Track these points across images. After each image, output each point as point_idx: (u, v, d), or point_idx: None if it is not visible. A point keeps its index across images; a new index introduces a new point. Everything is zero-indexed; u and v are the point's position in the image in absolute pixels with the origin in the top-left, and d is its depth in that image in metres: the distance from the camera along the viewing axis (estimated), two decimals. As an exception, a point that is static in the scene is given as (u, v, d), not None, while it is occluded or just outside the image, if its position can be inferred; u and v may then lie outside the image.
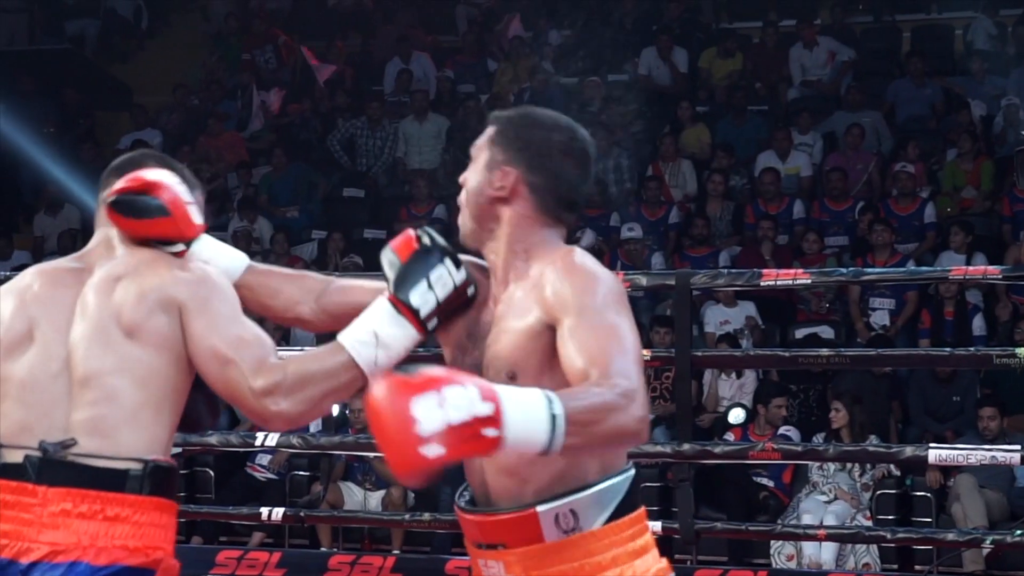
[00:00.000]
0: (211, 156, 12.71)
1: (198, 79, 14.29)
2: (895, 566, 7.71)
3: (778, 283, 6.09)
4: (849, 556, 7.79)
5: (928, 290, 9.48)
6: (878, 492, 8.04)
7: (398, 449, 2.14)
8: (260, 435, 7.02)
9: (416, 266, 2.56)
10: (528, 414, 2.22)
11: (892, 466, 8.09)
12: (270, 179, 12.30)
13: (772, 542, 7.94)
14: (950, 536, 6.54)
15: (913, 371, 8.90)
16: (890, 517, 7.90)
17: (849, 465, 8.07)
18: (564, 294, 2.49)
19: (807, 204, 10.79)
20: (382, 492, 8.66)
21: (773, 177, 10.80)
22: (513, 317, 2.59)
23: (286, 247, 10.93)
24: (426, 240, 2.60)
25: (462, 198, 2.73)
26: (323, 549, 8.28)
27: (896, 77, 12.23)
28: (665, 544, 8.14)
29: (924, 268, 8.68)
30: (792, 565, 7.79)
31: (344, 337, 2.56)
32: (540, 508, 2.56)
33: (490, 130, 2.70)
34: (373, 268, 9.36)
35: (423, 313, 2.54)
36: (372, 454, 8.17)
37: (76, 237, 11.80)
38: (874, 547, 7.76)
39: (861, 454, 6.71)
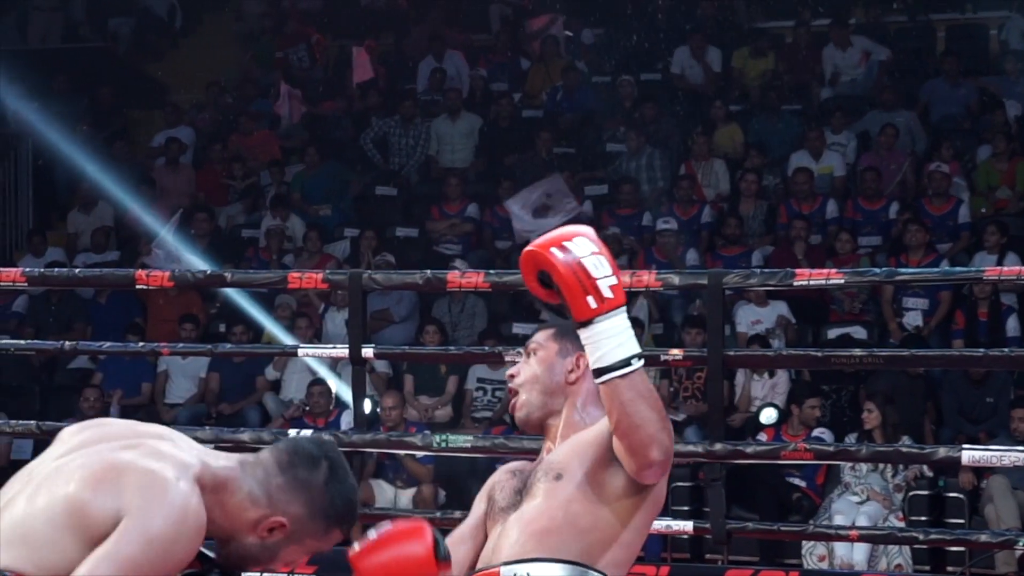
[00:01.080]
0: (244, 154, 12.75)
1: (231, 77, 14.34)
2: (927, 567, 7.67)
3: (811, 283, 6.06)
4: (881, 557, 7.75)
5: (962, 291, 9.43)
6: (910, 493, 8.01)
7: (547, 238, 2.65)
8: (292, 432, 7.04)
9: None
10: (624, 333, 2.66)
11: (925, 467, 8.05)
12: (303, 177, 12.32)
13: (804, 542, 7.92)
14: (983, 537, 6.50)
15: (947, 372, 8.86)
16: (923, 518, 7.85)
17: (882, 466, 8.04)
18: None
19: (840, 204, 10.74)
20: (413, 490, 8.67)
21: (806, 177, 10.76)
22: (570, 442, 3.00)
23: (319, 245, 10.96)
24: None
25: (526, 383, 3.11)
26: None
27: (930, 77, 12.17)
28: (696, 544, 8.16)
29: (958, 268, 8.64)
30: (824, 566, 7.76)
31: None
32: (503, 569, 2.85)
33: (549, 330, 3.15)
34: (405, 265, 9.35)
35: None
36: (403, 452, 8.18)
37: (109, 234, 11.87)
38: (906, 548, 7.73)
39: (894, 455, 6.67)
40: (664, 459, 2.71)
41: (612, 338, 2.65)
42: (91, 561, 2.34)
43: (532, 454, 8.07)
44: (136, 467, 2.41)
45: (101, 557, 2.34)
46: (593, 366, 2.68)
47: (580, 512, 2.87)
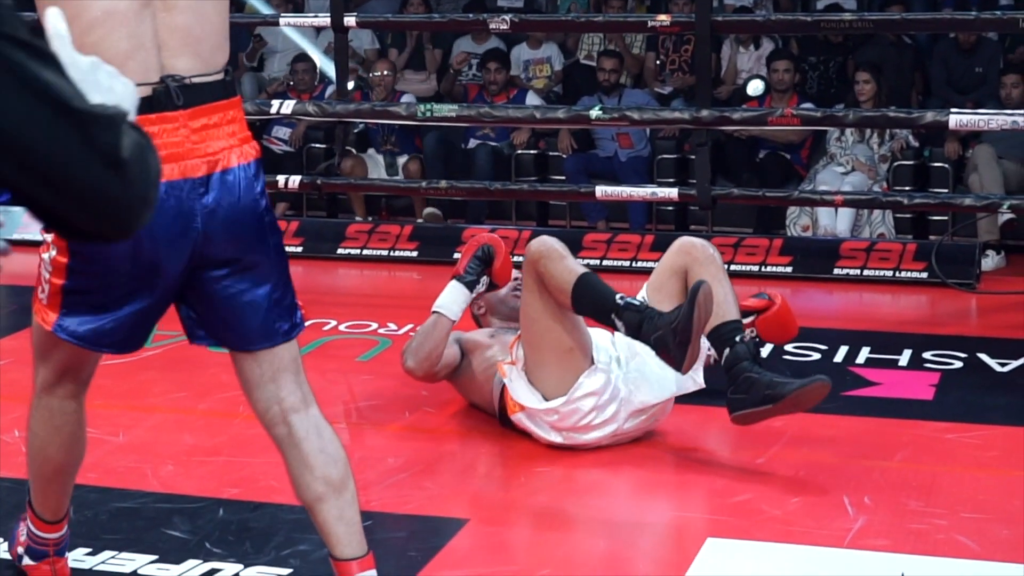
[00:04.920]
0: None
1: None
2: (910, 236, 7.72)
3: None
4: (864, 227, 7.80)
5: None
6: (895, 163, 8.00)
7: None
8: (275, 103, 7.00)
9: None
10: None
11: (910, 137, 8.04)
12: None
13: (788, 214, 7.96)
14: (967, 201, 6.56)
15: (936, 42, 8.76)
16: (907, 188, 7.86)
17: (868, 136, 8.02)
18: None
19: None
20: (404, 160, 8.69)
21: None
22: None
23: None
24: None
25: None
26: (342, 218, 8.32)
27: None
28: (681, 216, 8.22)
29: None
30: (808, 235, 7.80)
31: None
32: None
33: None
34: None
35: None
36: (389, 122, 8.16)
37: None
38: (889, 217, 7.78)
39: (881, 119, 6.67)
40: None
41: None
42: None
43: (515, 123, 8.04)
44: None
45: None
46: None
47: None
